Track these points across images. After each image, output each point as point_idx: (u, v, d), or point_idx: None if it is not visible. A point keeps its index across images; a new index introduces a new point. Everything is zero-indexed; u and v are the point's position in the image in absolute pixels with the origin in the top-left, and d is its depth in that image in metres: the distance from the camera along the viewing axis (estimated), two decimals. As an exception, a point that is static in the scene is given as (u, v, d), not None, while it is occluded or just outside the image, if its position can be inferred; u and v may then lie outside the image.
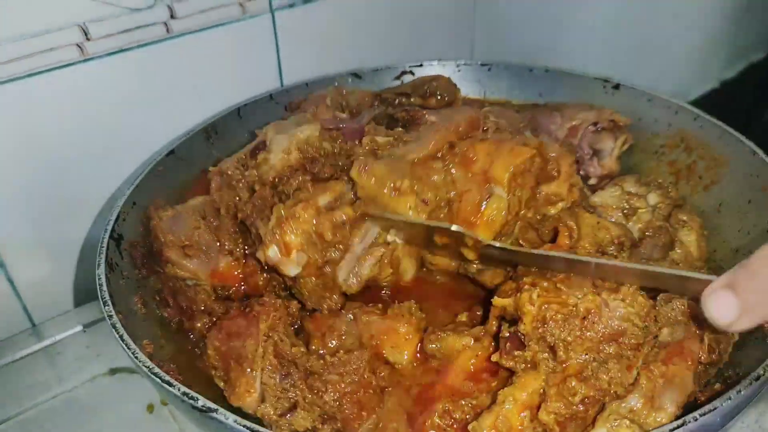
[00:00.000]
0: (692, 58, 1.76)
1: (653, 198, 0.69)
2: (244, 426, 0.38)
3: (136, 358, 0.44)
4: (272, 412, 0.50)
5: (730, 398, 0.39)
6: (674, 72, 1.72)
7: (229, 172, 0.65)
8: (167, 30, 0.76)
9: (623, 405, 0.44)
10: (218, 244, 0.63)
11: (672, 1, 1.49)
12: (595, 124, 0.76)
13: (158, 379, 0.42)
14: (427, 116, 0.70)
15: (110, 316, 0.48)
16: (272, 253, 0.55)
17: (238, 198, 0.65)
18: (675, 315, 0.49)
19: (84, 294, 0.83)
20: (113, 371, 0.72)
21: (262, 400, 0.51)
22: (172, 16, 0.75)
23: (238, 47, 0.83)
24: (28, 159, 0.72)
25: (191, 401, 0.40)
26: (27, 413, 0.68)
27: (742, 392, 0.39)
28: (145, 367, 0.43)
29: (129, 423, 0.66)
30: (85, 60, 0.71)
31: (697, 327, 0.48)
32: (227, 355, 0.54)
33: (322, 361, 0.53)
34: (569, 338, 0.47)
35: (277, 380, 0.51)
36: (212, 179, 0.67)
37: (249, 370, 0.52)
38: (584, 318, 0.47)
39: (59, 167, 0.75)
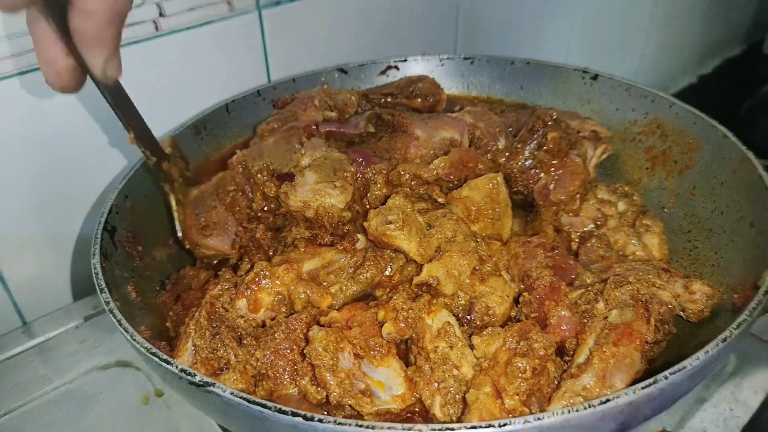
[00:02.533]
0: (669, 54, 1.81)
1: (621, 205, 0.73)
2: (240, 398, 0.40)
3: (134, 340, 0.45)
4: (203, 372, 0.50)
5: (698, 359, 0.42)
6: (652, 67, 1.76)
7: (253, 172, 0.67)
8: (156, 28, 0.77)
9: (577, 383, 0.47)
10: (234, 217, 0.65)
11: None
12: (576, 132, 0.78)
13: (156, 359, 0.43)
14: (412, 128, 0.74)
15: (107, 303, 0.50)
16: (241, 305, 0.56)
17: (250, 194, 0.68)
18: (624, 298, 0.53)
19: (80, 288, 0.85)
20: (107, 366, 0.73)
21: (195, 362, 0.52)
22: (161, 14, 0.77)
23: (226, 44, 0.84)
24: (19, 158, 0.73)
25: (189, 377, 0.42)
26: (25, 406, 0.69)
27: (710, 353, 0.42)
28: (144, 348, 0.44)
29: (125, 413, 0.67)
30: (76, 58, 0.73)
31: (644, 309, 0.51)
32: (178, 324, 0.56)
33: (263, 329, 0.54)
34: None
35: (207, 340, 0.52)
36: (235, 166, 0.69)
37: (185, 332, 0.54)
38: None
39: (51, 165, 0.76)
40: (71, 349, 0.75)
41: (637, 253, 0.69)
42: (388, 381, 0.51)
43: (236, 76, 0.87)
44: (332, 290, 0.60)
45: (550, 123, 0.73)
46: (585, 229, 0.70)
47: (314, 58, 0.94)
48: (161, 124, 0.81)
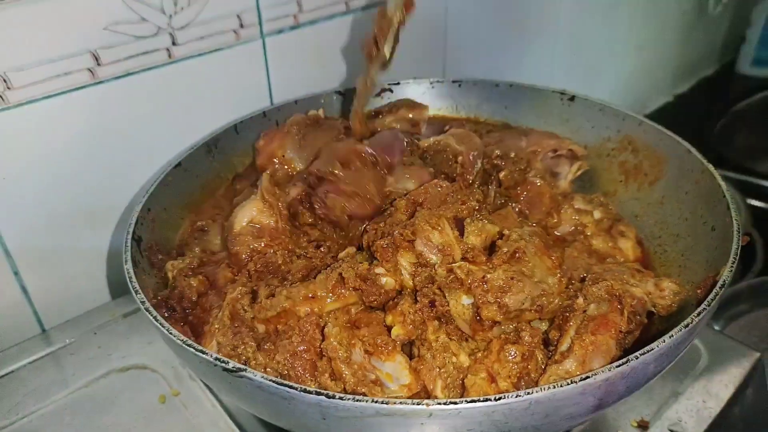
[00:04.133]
0: (646, 75, 1.91)
1: (597, 214, 0.79)
2: (270, 380, 0.45)
3: (171, 333, 0.50)
4: None
5: (664, 341, 0.48)
6: (630, 87, 1.86)
7: None
8: (169, 55, 0.83)
9: (560, 368, 0.53)
10: None
11: (622, 23, 1.63)
12: (554, 150, 0.85)
13: (192, 349, 0.49)
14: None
15: (143, 302, 0.55)
16: (259, 328, 0.59)
17: None
18: (600, 293, 0.59)
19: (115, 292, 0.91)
20: (124, 369, 0.78)
21: None
22: (173, 43, 0.83)
23: (232, 70, 0.91)
24: (44, 174, 0.79)
25: (223, 364, 0.47)
26: (45, 409, 0.73)
27: (674, 337, 0.48)
28: (180, 340, 0.50)
29: (144, 412, 0.72)
30: (96, 83, 0.78)
31: (618, 303, 0.58)
32: (197, 326, 0.61)
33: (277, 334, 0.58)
34: None
35: (229, 338, 0.56)
36: None
37: (209, 331, 0.58)
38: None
39: (73, 181, 0.81)
40: (89, 354, 0.80)
41: (616, 257, 0.75)
42: (396, 373, 0.57)
43: (242, 98, 0.94)
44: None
45: (496, 162, 0.81)
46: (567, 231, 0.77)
47: (313, 81, 1.00)
48: (175, 143, 0.87)
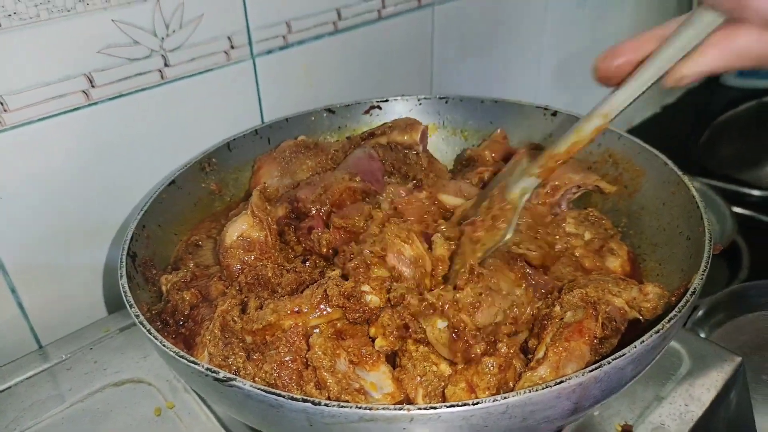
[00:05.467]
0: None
1: (588, 235, 0.79)
2: (258, 389, 0.47)
3: (164, 345, 0.52)
4: None
5: (635, 347, 0.50)
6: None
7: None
8: (162, 76, 0.86)
9: (535, 374, 0.55)
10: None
11: (608, 37, 1.66)
12: (578, 187, 0.82)
13: (184, 361, 0.51)
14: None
15: (137, 316, 0.57)
16: (248, 339, 0.61)
17: None
18: (576, 301, 0.61)
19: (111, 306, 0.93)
20: (119, 383, 0.79)
21: None
22: (165, 65, 0.85)
23: (224, 90, 0.93)
24: (40, 193, 0.81)
25: (214, 374, 0.49)
26: (41, 424, 0.74)
27: (645, 342, 0.50)
28: (172, 352, 0.52)
29: (139, 425, 0.73)
30: (91, 105, 0.81)
31: (593, 309, 0.60)
32: (190, 338, 0.63)
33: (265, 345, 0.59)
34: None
35: (220, 348, 0.58)
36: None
37: (201, 342, 0.60)
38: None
39: (69, 200, 0.84)
40: (85, 369, 0.81)
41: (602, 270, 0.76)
42: (380, 382, 0.59)
43: (233, 117, 0.96)
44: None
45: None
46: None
47: (302, 100, 1.03)
48: (168, 162, 0.90)
